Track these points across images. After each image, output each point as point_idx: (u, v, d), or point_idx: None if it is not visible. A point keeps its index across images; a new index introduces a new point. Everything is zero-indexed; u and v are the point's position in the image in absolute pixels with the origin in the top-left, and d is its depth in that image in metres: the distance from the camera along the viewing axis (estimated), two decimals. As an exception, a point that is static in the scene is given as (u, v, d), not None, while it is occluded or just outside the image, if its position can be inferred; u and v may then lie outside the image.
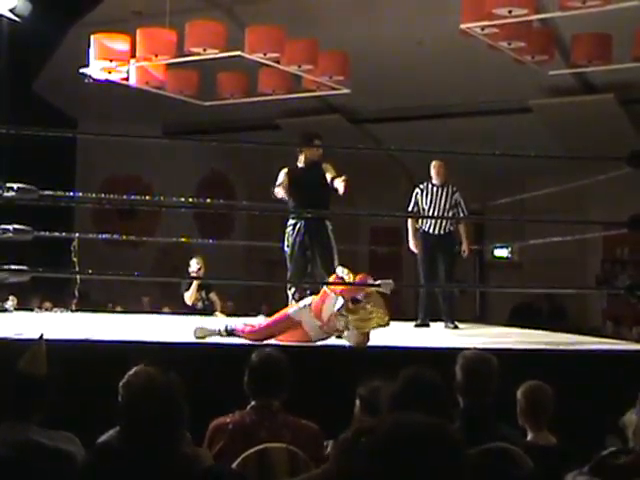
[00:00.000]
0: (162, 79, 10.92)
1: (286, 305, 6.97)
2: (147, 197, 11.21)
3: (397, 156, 15.83)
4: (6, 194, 6.06)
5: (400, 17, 12.20)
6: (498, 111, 14.20)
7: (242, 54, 9.73)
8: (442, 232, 8.86)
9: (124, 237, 10.72)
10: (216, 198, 12.13)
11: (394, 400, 3.45)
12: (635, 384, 4.42)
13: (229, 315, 10.16)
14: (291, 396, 4.16)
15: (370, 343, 6.05)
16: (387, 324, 6.10)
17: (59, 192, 8.62)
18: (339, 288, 6.17)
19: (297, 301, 7.09)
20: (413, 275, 16.32)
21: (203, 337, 6.29)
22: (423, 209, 8.84)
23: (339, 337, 6.15)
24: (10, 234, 6.08)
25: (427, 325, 8.84)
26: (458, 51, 11.57)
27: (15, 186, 6.11)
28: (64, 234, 9.63)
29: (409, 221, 9.04)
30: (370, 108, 15.09)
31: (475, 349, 4.54)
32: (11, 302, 9.88)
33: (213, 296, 10.31)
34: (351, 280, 6.19)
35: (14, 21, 10.10)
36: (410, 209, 8.96)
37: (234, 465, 3.68)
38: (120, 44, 10.01)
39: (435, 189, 8.87)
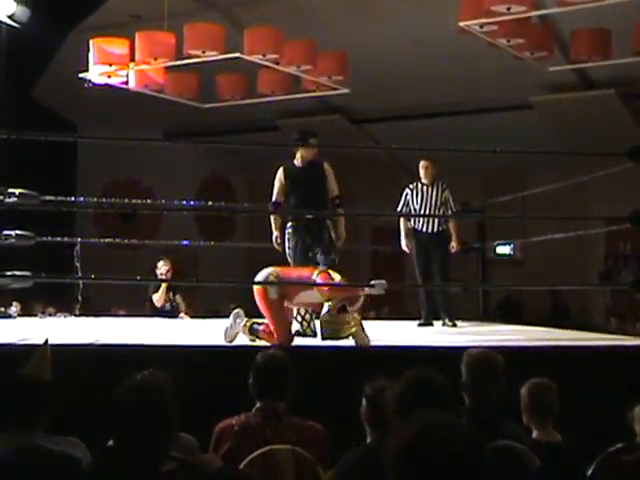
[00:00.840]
0: (161, 82, 10.92)
1: None
2: (148, 200, 11.21)
3: (398, 156, 15.83)
4: (7, 200, 6.06)
5: (398, 16, 12.20)
6: (499, 108, 14.21)
7: (241, 56, 9.73)
8: (435, 230, 8.87)
9: (125, 241, 10.71)
10: (217, 200, 12.15)
11: (399, 400, 3.44)
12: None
13: (193, 317, 10.35)
14: (296, 397, 4.15)
15: (376, 343, 6.05)
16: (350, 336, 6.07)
17: (60, 197, 8.63)
18: (327, 291, 6.17)
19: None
20: (415, 275, 16.32)
21: (233, 339, 6.30)
22: (414, 209, 8.86)
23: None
24: (12, 240, 6.08)
25: (431, 324, 8.82)
26: (457, 49, 11.57)
27: (17, 192, 6.11)
28: (66, 239, 9.62)
29: (401, 221, 9.06)
30: (370, 108, 15.09)
31: (480, 347, 4.53)
32: (15, 308, 9.88)
33: (178, 298, 10.48)
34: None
35: (13, 27, 10.10)
36: (400, 209, 8.97)
37: (240, 467, 3.68)
38: (119, 48, 10.02)
39: (425, 188, 8.88)
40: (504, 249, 15.92)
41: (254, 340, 6.37)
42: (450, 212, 8.93)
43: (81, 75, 10.32)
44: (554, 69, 10.38)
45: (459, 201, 9.22)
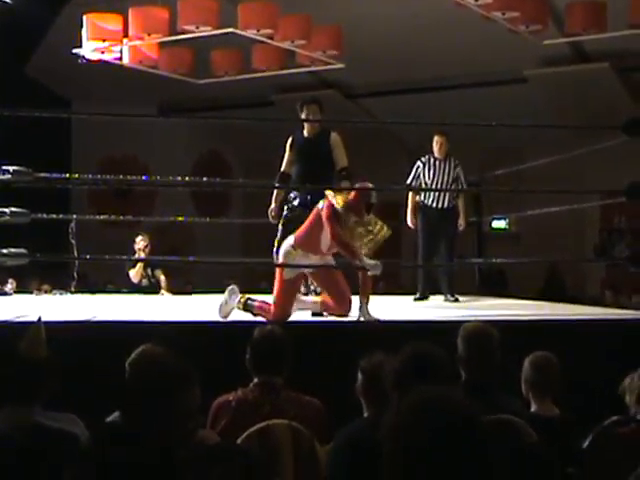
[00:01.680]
0: (155, 58, 10.87)
1: None
2: (143, 177, 11.18)
3: (394, 130, 15.81)
4: (2, 177, 6.04)
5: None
6: (493, 82, 14.18)
7: (235, 31, 9.70)
8: (444, 206, 8.74)
9: (121, 217, 10.70)
10: (212, 176, 12.12)
11: (397, 374, 3.45)
12: (636, 353, 4.43)
13: (175, 294, 10.22)
14: (293, 372, 4.16)
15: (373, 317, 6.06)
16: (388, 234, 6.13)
17: (55, 174, 8.60)
18: (341, 201, 6.12)
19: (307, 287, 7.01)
20: (412, 251, 16.34)
21: (227, 315, 6.25)
22: (425, 183, 8.72)
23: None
24: (7, 217, 6.07)
25: (426, 298, 8.78)
26: (452, 23, 11.54)
27: (10, 169, 6.09)
28: (61, 216, 9.61)
29: (409, 195, 8.89)
30: (365, 82, 15.05)
31: (476, 321, 4.54)
32: (10, 285, 9.88)
33: (158, 273, 10.21)
34: (342, 203, 6.14)
35: (5, 2, 10.04)
36: (409, 182, 8.84)
37: (237, 442, 3.69)
38: (112, 24, 9.97)
39: (437, 163, 8.74)
40: (499, 223, 15.94)
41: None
42: (461, 188, 8.80)
43: (74, 51, 10.28)
44: (549, 42, 10.35)
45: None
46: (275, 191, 7.44)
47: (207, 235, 15.51)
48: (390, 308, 7.15)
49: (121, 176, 10.49)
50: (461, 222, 8.83)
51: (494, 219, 14.52)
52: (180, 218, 11.45)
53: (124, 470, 2.77)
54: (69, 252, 9.16)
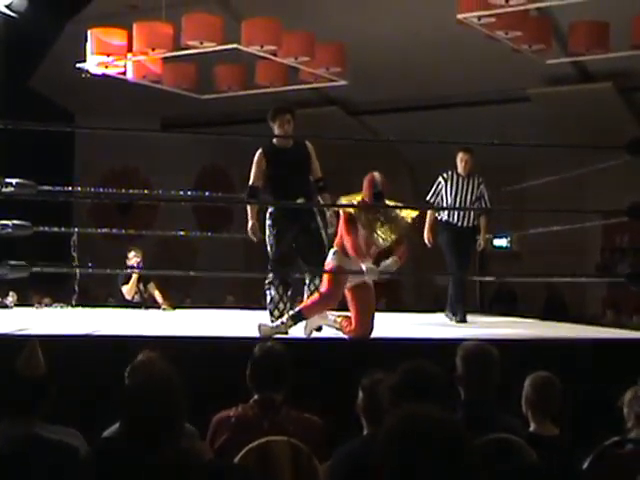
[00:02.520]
0: (159, 73, 10.90)
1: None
2: (146, 191, 11.20)
3: (396, 147, 15.83)
4: (5, 189, 6.05)
5: (397, 8, 12.18)
6: (497, 101, 14.20)
7: (239, 47, 9.72)
8: (467, 225, 8.55)
9: (122, 231, 10.68)
10: (215, 191, 12.12)
11: (394, 392, 3.45)
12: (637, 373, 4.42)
13: (175, 308, 10.18)
14: (294, 389, 4.16)
15: (373, 335, 6.05)
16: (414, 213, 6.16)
17: (58, 187, 8.62)
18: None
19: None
20: (412, 265, 16.33)
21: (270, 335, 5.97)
22: (447, 201, 8.47)
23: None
24: (9, 230, 6.07)
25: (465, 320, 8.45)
26: (455, 41, 11.56)
27: (14, 181, 6.10)
28: (63, 229, 9.61)
29: (429, 212, 8.60)
30: (368, 100, 15.08)
31: (475, 340, 4.53)
32: (11, 298, 9.87)
33: (151, 288, 10.15)
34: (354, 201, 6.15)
35: (10, 17, 10.08)
36: (429, 198, 8.57)
37: (236, 459, 3.69)
38: (117, 38, 10.00)
39: (460, 180, 8.50)
40: (501, 241, 15.94)
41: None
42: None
43: (79, 65, 10.30)
44: (552, 62, 10.37)
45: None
46: (249, 207, 7.03)
47: (208, 249, 15.51)
48: (391, 326, 7.14)
49: (123, 190, 10.52)
50: (481, 241, 8.64)
51: (495, 237, 14.53)
52: (182, 232, 11.44)
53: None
54: (71, 266, 9.16)
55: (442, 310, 8.77)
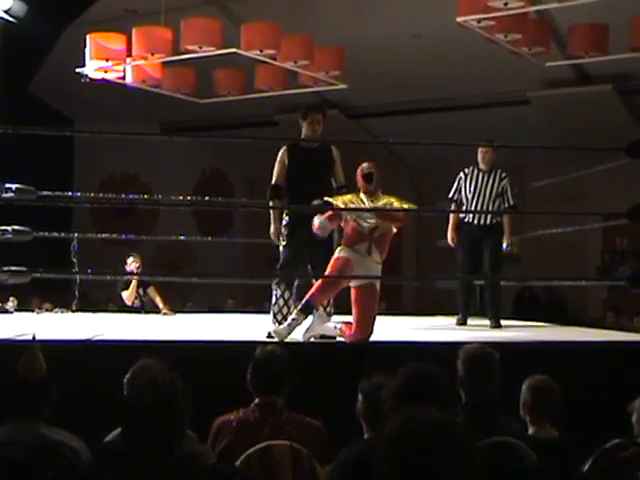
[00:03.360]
0: (158, 77, 10.90)
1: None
2: (145, 196, 11.20)
3: (396, 151, 15.83)
4: (4, 195, 6.05)
5: (396, 11, 12.19)
6: (496, 103, 14.21)
7: (238, 51, 9.72)
8: (488, 223, 8.13)
9: (122, 236, 10.68)
10: (215, 195, 12.14)
11: (395, 396, 3.45)
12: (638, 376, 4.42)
13: (176, 312, 10.18)
14: (294, 393, 4.16)
15: (372, 338, 6.05)
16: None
17: (57, 192, 8.61)
18: (340, 201, 6.21)
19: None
20: (413, 270, 16.35)
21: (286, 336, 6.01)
22: (466, 197, 8.13)
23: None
24: (9, 235, 6.07)
25: (465, 323, 8.22)
26: (455, 44, 11.57)
27: (13, 187, 6.10)
28: (63, 234, 9.61)
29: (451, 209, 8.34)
30: (367, 103, 15.09)
31: (476, 343, 4.53)
32: (11, 303, 9.86)
33: (151, 291, 10.13)
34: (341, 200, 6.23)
35: (9, 22, 10.09)
36: (451, 196, 8.25)
37: (238, 462, 3.68)
38: (116, 43, 10.00)
39: (481, 175, 8.13)
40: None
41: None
42: (507, 205, 8.16)
43: (78, 70, 10.30)
44: (551, 64, 10.37)
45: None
46: (271, 210, 6.85)
47: (209, 253, 15.52)
48: (392, 329, 7.14)
49: (123, 195, 10.52)
50: (504, 241, 8.18)
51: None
52: (182, 237, 11.44)
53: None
54: (71, 271, 9.16)
55: (442, 314, 8.71)
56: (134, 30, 9.89)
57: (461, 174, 8.25)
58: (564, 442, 4.15)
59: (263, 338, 6.16)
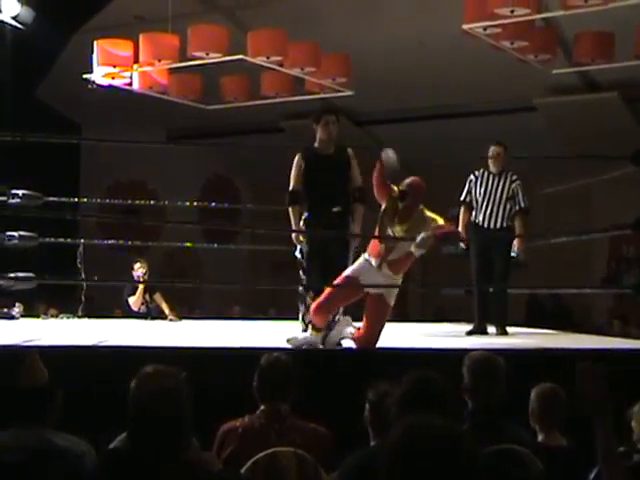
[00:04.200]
0: (165, 84, 10.92)
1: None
2: (152, 202, 11.21)
3: (401, 157, 15.81)
4: (11, 200, 6.07)
5: (402, 18, 12.20)
6: (502, 110, 14.21)
7: (245, 58, 9.73)
8: (497, 226, 7.98)
9: (129, 242, 10.68)
10: (221, 202, 12.14)
11: (399, 403, 3.45)
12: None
13: (181, 318, 10.17)
14: (300, 400, 4.15)
15: (378, 345, 6.04)
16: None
17: (64, 199, 8.62)
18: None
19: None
20: (419, 276, 16.33)
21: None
22: (476, 200, 8.02)
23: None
24: (15, 241, 6.09)
25: (485, 332, 7.97)
26: (461, 51, 11.57)
27: (20, 193, 6.12)
28: (69, 240, 9.63)
29: (460, 213, 8.14)
30: (373, 110, 15.09)
31: (481, 350, 4.52)
32: (17, 309, 9.87)
33: (157, 297, 10.14)
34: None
35: (17, 28, 10.11)
36: (463, 198, 8.13)
37: (243, 469, 3.68)
38: (123, 50, 10.02)
39: (491, 177, 8.04)
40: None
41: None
42: (517, 208, 8.00)
43: (85, 76, 10.33)
44: (557, 72, 10.37)
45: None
46: (291, 214, 6.74)
47: (215, 260, 15.52)
48: (397, 336, 7.13)
49: (129, 201, 10.54)
50: (515, 246, 8.03)
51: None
52: (188, 244, 11.45)
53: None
54: (77, 277, 9.17)
55: (446, 320, 8.69)
56: (141, 36, 9.91)
57: (471, 176, 8.19)
58: (571, 450, 4.14)
59: (271, 344, 6.15)
